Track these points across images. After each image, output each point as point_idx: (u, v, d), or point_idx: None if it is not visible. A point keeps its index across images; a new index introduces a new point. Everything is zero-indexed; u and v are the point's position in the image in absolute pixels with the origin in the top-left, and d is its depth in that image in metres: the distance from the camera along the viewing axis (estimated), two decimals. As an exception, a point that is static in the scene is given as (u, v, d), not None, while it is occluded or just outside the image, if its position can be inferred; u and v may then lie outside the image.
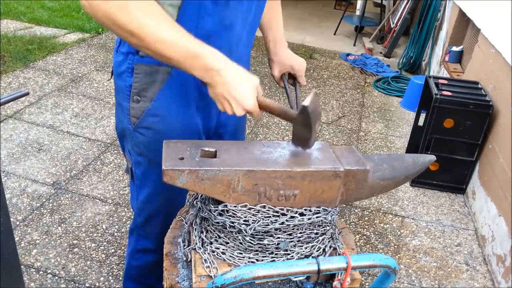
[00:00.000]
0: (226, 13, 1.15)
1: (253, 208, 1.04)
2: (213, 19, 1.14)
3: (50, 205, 2.54)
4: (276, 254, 1.11)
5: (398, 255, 2.47)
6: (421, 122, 3.15)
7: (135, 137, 1.31)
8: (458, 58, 4.02)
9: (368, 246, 2.51)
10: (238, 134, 1.57)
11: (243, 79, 1.06)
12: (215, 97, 1.08)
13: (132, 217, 1.63)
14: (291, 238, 1.09)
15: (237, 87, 1.05)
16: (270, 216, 1.06)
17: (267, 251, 1.10)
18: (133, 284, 1.68)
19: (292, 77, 1.54)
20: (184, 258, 1.16)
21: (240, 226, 1.05)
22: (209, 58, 1.03)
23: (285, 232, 1.08)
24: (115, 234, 2.38)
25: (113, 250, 2.28)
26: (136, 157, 1.36)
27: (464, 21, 4.04)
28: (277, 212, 1.06)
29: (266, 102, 1.11)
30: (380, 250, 2.48)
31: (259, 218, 1.05)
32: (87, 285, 2.08)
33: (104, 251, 2.27)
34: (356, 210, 2.80)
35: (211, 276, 1.06)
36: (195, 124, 1.33)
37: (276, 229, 1.07)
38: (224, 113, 1.42)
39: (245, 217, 1.05)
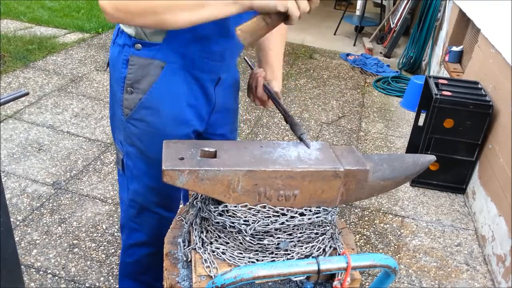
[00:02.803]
0: (225, 21, 1.15)
1: (253, 208, 1.04)
2: (212, 23, 1.14)
3: (50, 205, 2.54)
4: (276, 254, 1.11)
5: (398, 255, 2.47)
6: (421, 122, 3.15)
7: (128, 128, 1.33)
8: (458, 58, 4.02)
9: (368, 246, 2.51)
10: (230, 133, 1.57)
11: None
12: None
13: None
14: (291, 238, 1.09)
15: None
16: (270, 216, 1.06)
17: (267, 251, 1.10)
18: (130, 282, 1.66)
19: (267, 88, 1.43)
20: (184, 258, 1.16)
21: (240, 226, 1.05)
22: None
23: (285, 232, 1.08)
24: (115, 234, 2.38)
25: (113, 250, 2.28)
26: (127, 148, 1.37)
27: (464, 21, 4.04)
28: (277, 212, 1.06)
29: None
30: (380, 250, 2.48)
31: (259, 218, 1.05)
32: (87, 285, 2.08)
33: (104, 251, 2.27)
34: (356, 210, 2.80)
35: (211, 276, 1.06)
36: (187, 119, 1.34)
37: (276, 229, 1.07)
38: (215, 114, 1.42)
39: (245, 217, 1.05)
